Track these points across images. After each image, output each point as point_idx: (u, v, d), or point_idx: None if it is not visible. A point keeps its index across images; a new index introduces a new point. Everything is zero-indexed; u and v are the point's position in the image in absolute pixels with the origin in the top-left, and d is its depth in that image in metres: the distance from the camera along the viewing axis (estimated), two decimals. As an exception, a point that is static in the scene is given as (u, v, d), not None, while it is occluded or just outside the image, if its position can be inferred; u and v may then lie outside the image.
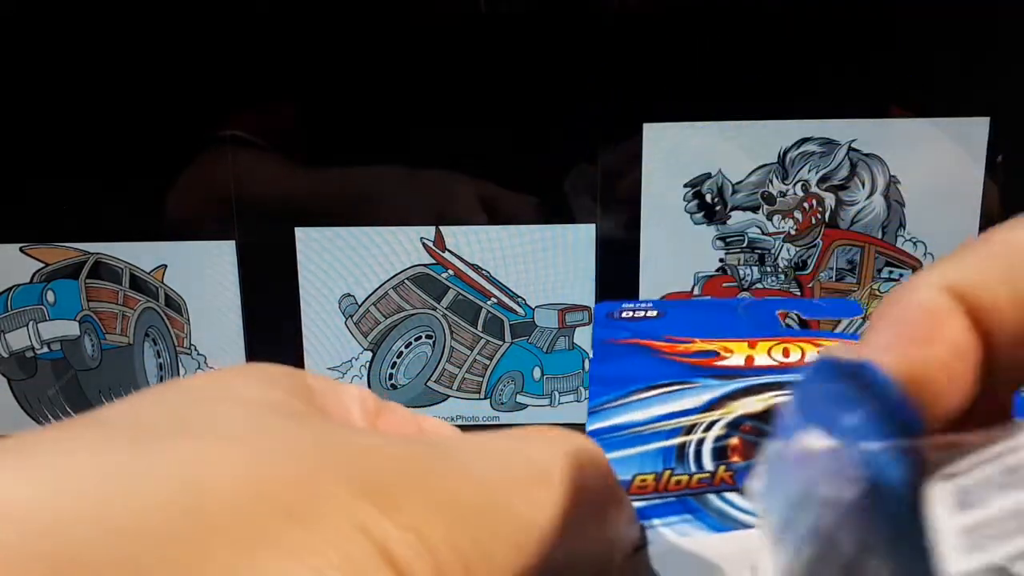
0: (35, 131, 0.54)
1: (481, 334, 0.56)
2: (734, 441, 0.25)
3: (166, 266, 0.56)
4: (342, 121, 0.54)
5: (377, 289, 0.56)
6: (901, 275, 0.55)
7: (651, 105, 0.52)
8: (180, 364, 0.57)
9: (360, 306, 0.56)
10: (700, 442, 0.25)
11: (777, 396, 0.26)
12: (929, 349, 0.13)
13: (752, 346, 0.29)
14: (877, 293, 0.55)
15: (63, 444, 0.13)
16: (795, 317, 0.32)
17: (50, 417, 0.58)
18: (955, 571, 0.11)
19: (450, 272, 0.55)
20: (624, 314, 0.32)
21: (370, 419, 0.18)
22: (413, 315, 0.56)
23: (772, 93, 0.52)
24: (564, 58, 0.52)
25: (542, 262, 0.55)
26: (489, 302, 0.56)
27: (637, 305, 0.32)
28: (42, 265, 0.56)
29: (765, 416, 0.25)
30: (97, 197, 0.54)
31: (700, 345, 0.29)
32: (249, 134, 0.54)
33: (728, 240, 0.54)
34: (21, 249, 0.55)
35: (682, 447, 0.25)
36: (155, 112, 0.53)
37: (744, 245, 0.54)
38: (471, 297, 0.56)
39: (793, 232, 0.54)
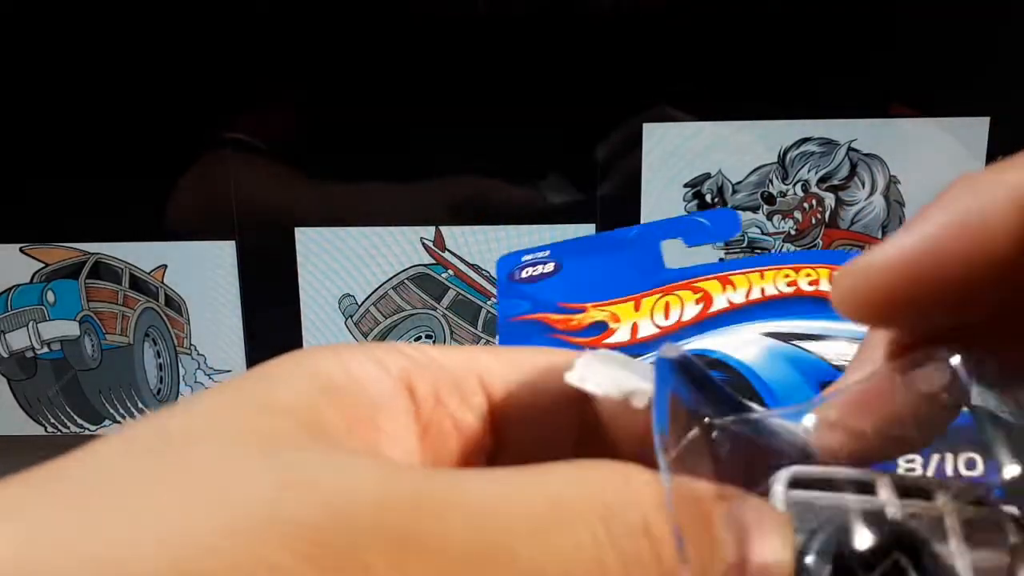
0: (35, 131, 0.54)
1: (481, 334, 0.56)
2: None
3: (166, 266, 0.56)
4: (341, 122, 0.54)
5: (377, 289, 0.56)
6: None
7: (651, 105, 0.52)
8: (180, 364, 0.57)
9: (360, 306, 0.56)
10: None
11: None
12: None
13: (637, 307, 0.29)
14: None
15: (10, 504, 0.12)
16: (679, 245, 0.32)
17: (50, 417, 0.58)
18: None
19: (450, 272, 0.55)
20: (524, 272, 0.32)
21: (424, 415, 0.16)
22: (413, 315, 0.56)
23: (772, 93, 0.52)
24: (564, 58, 0.52)
25: (542, 262, 0.55)
26: (489, 302, 0.56)
27: (535, 257, 0.32)
28: (42, 265, 0.56)
29: None
30: (97, 197, 0.54)
31: (591, 314, 0.30)
32: (249, 135, 0.54)
33: (728, 240, 0.54)
34: (21, 249, 0.55)
35: None
36: (155, 112, 0.53)
37: (744, 245, 0.54)
38: (471, 297, 0.56)
39: (793, 232, 0.54)
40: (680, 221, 0.31)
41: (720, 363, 0.28)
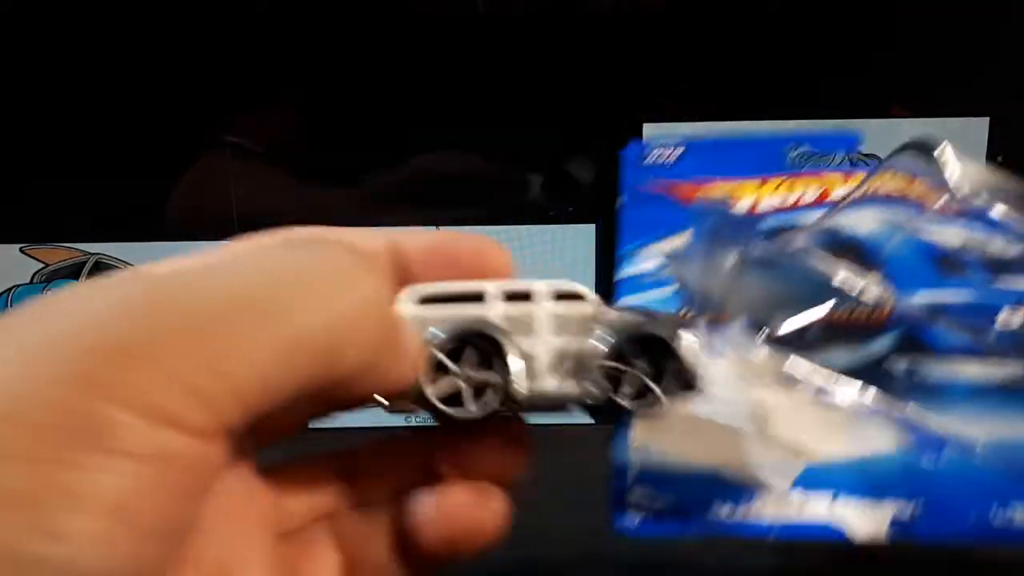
0: (35, 131, 0.54)
1: (481, 334, 0.56)
2: None
3: (166, 266, 0.56)
4: (341, 121, 0.54)
5: (377, 289, 0.56)
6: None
7: (651, 105, 0.52)
8: (180, 364, 0.57)
9: (360, 306, 0.56)
10: None
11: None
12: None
13: (760, 186, 0.32)
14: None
15: None
16: (804, 153, 0.35)
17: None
18: None
19: (450, 272, 0.55)
20: (651, 157, 0.34)
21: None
22: (413, 315, 0.56)
23: (772, 93, 0.52)
24: (563, 58, 0.52)
25: (542, 262, 0.55)
26: (489, 302, 0.56)
27: (664, 143, 0.34)
28: (42, 265, 0.56)
29: None
30: (97, 197, 0.54)
31: (717, 187, 0.32)
32: (249, 135, 0.54)
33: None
34: (21, 249, 0.55)
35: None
36: (155, 113, 0.53)
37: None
38: (471, 297, 0.56)
39: (793, 232, 0.54)
40: (802, 133, 0.34)
41: (839, 233, 0.30)
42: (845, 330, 0.27)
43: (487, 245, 0.25)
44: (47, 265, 0.56)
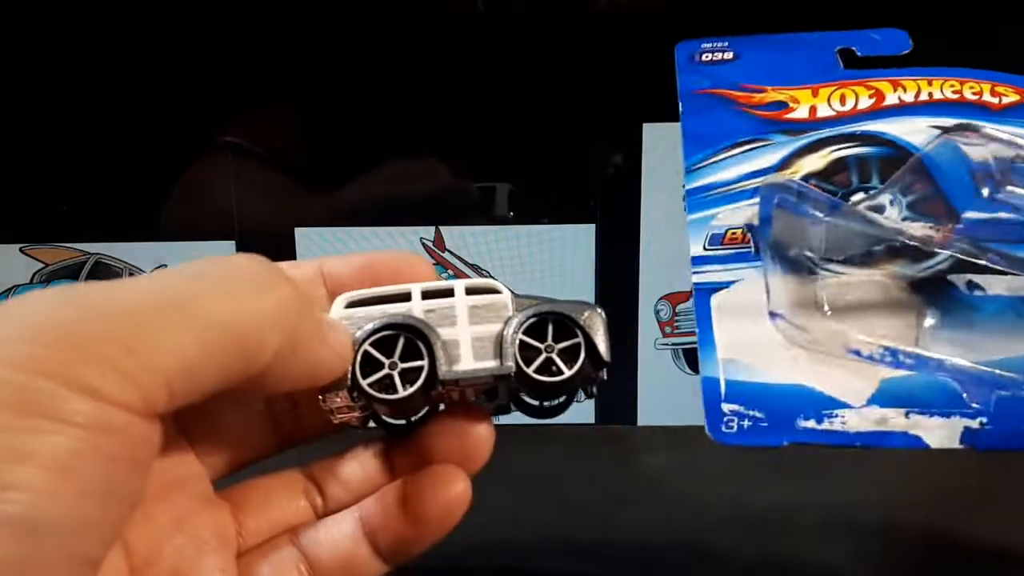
0: (35, 131, 0.54)
1: (481, 334, 0.56)
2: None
3: (166, 266, 0.56)
4: (341, 121, 0.54)
5: (377, 289, 0.56)
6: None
7: (651, 105, 0.52)
8: (180, 364, 0.57)
9: (360, 306, 0.56)
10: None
11: (834, 151, 0.32)
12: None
13: (815, 94, 0.33)
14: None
15: None
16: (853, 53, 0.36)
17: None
18: None
19: (450, 272, 0.55)
20: (704, 56, 0.35)
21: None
22: (413, 315, 0.56)
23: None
24: (563, 58, 0.52)
25: (542, 262, 0.55)
26: (489, 302, 0.56)
27: (715, 45, 0.35)
28: (42, 265, 0.56)
29: (825, 174, 0.32)
30: (97, 197, 0.54)
31: (772, 95, 0.33)
32: (249, 135, 0.54)
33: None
34: (21, 249, 0.55)
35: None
36: (156, 113, 0.53)
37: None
38: (471, 297, 0.56)
39: (793, 232, 0.54)
40: (853, 34, 0.35)
41: (892, 143, 0.32)
42: (910, 249, 0.30)
43: (414, 259, 0.27)
44: (47, 265, 0.56)
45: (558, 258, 0.55)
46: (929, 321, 0.30)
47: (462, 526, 0.25)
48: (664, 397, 0.57)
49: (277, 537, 0.27)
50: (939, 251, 0.30)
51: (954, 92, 0.33)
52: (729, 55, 0.35)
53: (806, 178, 0.32)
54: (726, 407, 0.29)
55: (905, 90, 0.33)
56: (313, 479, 0.28)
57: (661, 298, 0.56)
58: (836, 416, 0.28)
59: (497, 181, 0.54)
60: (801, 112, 0.33)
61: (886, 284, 0.30)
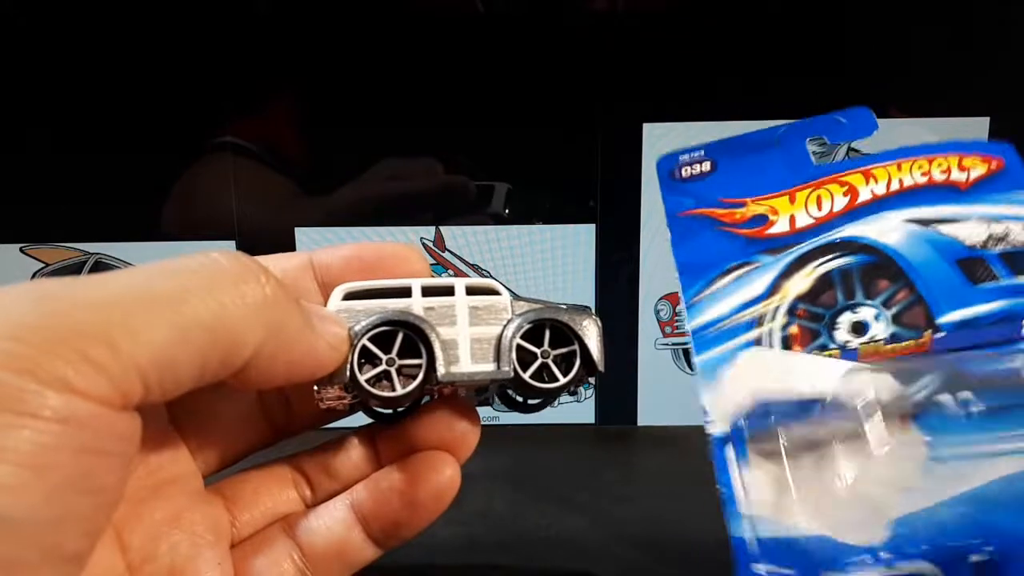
0: (36, 131, 0.54)
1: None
2: (793, 330, 0.32)
3: (166, 266, 0.56)
4: (341, 121, 0.54)
5: (377, 289, 0.56)
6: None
7: (651, 105, 0.53)
8: (180, 364, 0.57)
9: (360, 306, 0.56)
10: (771, 332, 0.32)
11: (817, 267, 0.33)
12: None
13: (792, 200, 0.34)
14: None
15: None
16: (822, 143, 0.37)
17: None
18: None
19: (450, 272, 0.55)
20: (683, 171, 0.35)
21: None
22: (413, 315, 0.56)
23: (771, 93, 0.52)
24: (563, 58, 0.52)
25: (542, 262, 0.55)
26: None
27: (692, 156, 0.35)
28: (42, 265, 0.56)
29: (812, 295, 0.32)
30: (97, 197, 0.55)
31: (752, 208, 0.34)
32: (249, 134, 0.54)
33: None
34: (21, 249, 0.56)
35: (759, 340, 0.32)
36: (155, 113, 0.53)
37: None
38: (471, 297, 0.56)
39: (793, 232, 0.54)
40: (820, 121, 0.36)
41: (871, 248, 0.32)
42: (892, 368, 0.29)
43: (403, 250, 0.27)
44: (47, 265, 0.56)
45: (558, 258, 0.55)
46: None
47: (462, 526, 0.25)
48: (664, 397, 0.57)
49: (269, 527, 0.27)
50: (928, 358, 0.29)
51: (923, 175, 0.33)
52: (707, 166, 0.35)
53: (794, 305, 0.32)
54: (758, 566, 0.28)
55: (876, 180, 0.34)
56: (301, 470, 0.28)
57: (661, 298, 0.56)
58: (860, 564, 0.27)
59: (499, 179, 0.54)
60: (782, 224, 0.34)
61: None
